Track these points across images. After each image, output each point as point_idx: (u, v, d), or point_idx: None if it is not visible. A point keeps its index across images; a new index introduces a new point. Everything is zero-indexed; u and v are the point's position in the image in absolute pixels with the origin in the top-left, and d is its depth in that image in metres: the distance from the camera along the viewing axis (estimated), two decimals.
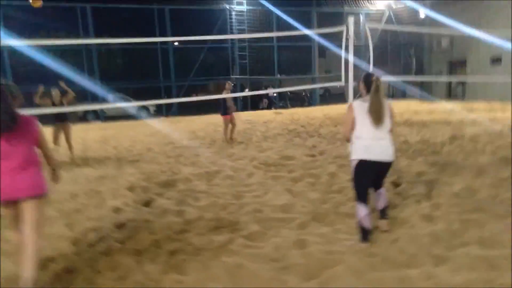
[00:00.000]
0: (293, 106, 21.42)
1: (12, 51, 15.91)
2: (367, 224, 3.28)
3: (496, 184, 4.63)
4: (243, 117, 16.35)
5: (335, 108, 18.12)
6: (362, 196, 3.33)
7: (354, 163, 3.36)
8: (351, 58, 6.67)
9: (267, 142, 8.72)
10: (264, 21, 19.17)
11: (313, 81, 21.51)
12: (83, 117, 19.03)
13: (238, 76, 19.87)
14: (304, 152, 7.16)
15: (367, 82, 3.30)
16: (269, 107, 21.56)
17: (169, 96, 18.05)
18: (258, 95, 21.68)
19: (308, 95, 22.88)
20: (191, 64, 19.03)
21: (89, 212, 4.35)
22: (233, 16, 19.20)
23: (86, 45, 17.13)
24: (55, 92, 7.48)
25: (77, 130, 14.30)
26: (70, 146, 7.73)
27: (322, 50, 23.46)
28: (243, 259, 3.10)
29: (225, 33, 18.66)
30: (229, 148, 8.30)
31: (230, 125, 9.19)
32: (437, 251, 3.11)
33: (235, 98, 20.22)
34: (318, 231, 3.62)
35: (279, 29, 19.84)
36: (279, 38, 20.09)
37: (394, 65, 23.00)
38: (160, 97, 17.57)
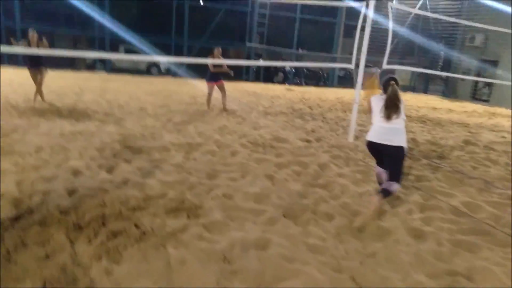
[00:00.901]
0: (308, 84, 20.61)
1: None
2: (379, 179, 3.92)
3: (502, 202, 4.09)
4: (251, 89, 15.74)
5: (350, 93, 17.33)
6: (377, 162, 3.96)
7: (365, 143, 3.89)
8: (365, 41, 5.99)
9: (265, 120, 8.18)
10: None
11: (333, 61, 20.50)
12: (92, 66, 18.64)
13: (253, 45, 19.02)
14: (300, 136, 6.63)
15: (385, 86, 3.69)
16: (283, 81, 20.81)
17: (180, 55, 17.40)
18: (273, 67, 20.94)
19: (325, 75, 21.94)
20: (206, 25, 18.22)
21: (46, 171, 3.96)
22: None
23: None
24: (32, 34, 7.00)
25: (79, 79, 13.97)
26: (40, 93, 7.47)
27: (350, 30, 22.13)
28: (191, 254, 2.68)
29: None
30: (223, 119, 7.80)
31: (218, 93, 8.76)
32: (416, 277, 2.65)
33: (247, 68, 19.63)
34: (286, 231, 3.17)
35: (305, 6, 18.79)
36: (303, 9, 19.03)
37: (421, 56, 21.77)
38: (170, 55, 16.95)
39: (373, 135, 3.69)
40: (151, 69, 19.55)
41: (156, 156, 4.79)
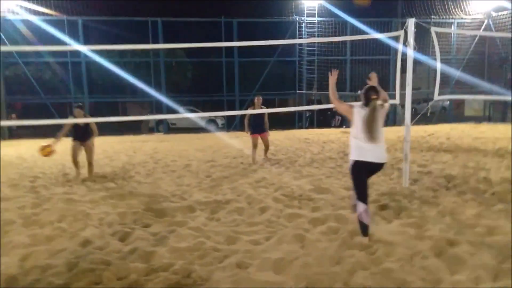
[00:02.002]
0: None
1: (88, 63, 17.15)
2: (366, 219, 3.55)
3: None
4: (304, 135, 15.26)
5: (415, 130, 16.01)
6: (361, 194, 3.60)
7: (351, 162, 3.69)
8: (409, 72, 5.30)
9: (311, 167, 7.56)
10: (337, 33, 17.88)
11: (391, 98, 19.40)
12: (153, 129, 19.67)
13: (305, 91, 18.81)
14: (345, 184, 5.87)
15: (366, 97, 3.59)
16: (341, 125, 20.05)
17: (232, 110, 17.75)
18: (330, 111, 20.38)
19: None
20: (255, 78, 18.55)
21: (56, 243, 3.76)
22: (303, 29, 18.29)
23: (154, 58, 17.73)
24: (77, 112, 6.95)
25: (138, 141, 14.68)
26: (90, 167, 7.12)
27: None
28: None
29: (294, 46, 17.89)
30: (264, 171, 7.33)
31: (261, 146, 8.36)
32: None
33: (300, 115, 19.30)
34: None
35: (353, 41, 18.43)
36: (352, 51, 18.64)
37: (494, 81, 19.73)
38: (222, 111, 17.37)
39: (360, 154, 3.59)
40: (208, 126, 20.18)
41: (178, 218, 4.42)
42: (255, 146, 8.35)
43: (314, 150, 10.42)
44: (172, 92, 17.24)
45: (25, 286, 2.94)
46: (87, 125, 6.89)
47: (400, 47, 5.34)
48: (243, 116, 10.19)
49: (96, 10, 16.64)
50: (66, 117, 17.06)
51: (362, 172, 3.61)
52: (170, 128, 19.34)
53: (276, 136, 13.81)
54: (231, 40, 17.40)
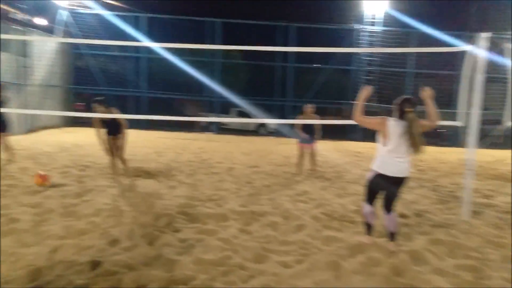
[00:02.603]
0: (427, 143, 18.31)
1: (150, 59, 17.82)
2: (371, 219, 3.85)
3: None
4: (356, 148, 14.58)
5: (481, 153, 14.65)
6: (369, 199, 3.83)
7: (372, 173, 3.74)
8: (477, 90, 4.70)
9: (358, 185, 7.07)
10: (400, 44, 16.92)
11: (453, 118, 17.99)
12: (206, 127, 19.93)
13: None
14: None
15: (401, 110, 3.58)
16: None
17: (283, 116, 17.46)
18: None
19: (445, 131, 19.29)
20: (310, 85, 18.10)
21: (87, 238, 3.76)
22: (364, 38, 17.54)
23: (211, 58, 18.00)
24: (98, 108, 6.19)
25: (188, 139, 14.93)
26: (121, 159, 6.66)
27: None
28: None
29: (352, 55, 17.22)
30: (307, 183, 6.99)
31: (307, 156, 7.97)
32: None
33: (353, 126, 18.52)
34: None
35: (417, 55, 17.34)
36: (417, 64, 17.54)
37: None
38: (274, 115, 17.18)
39: (383, 167, 3.63)
40: (259, 129, 20.09)
41: (209, 226, 4.26)
42: (301, 156, 8.02)
43: (365, 165, 9.83)
44: (226, 93, 17.35)
45: (47, 281, 2.92)
46: (114, 119, 6.28)
47: (467, 63, 4.75)
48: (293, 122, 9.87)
49: (160, 7, 17.23)
50: (126, 109, 17.91)
51: (381, 184, 3.68)
52: (221, 128, 19.51)
53: (325, 147, 13.31)
54: (287, 44, 17.15)
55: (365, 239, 3.88)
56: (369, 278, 3.17)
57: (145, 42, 16.28)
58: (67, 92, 17.53)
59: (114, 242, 3.68)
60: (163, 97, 18.58)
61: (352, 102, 18.83)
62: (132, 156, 9.22)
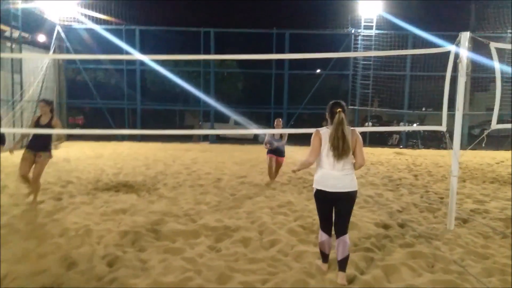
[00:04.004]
0: (427, 146, 17.98)
1: (142, 71, 17.80)
2: (325, 249, 3.43)
3: None
4: None
5: (481, 155, 14.34)
6: (322, 224, 3.38)
7: (314, 191, 3.34)
8: (460, 94, 4.49)
9: None
10: (396, 47, 16.74)
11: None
12: (205, 137, 19.75)
13: (357, 107, 17.80)
14: (378, 219, 5.13)
15: (332, 113, 3.26)
16: (398, 144, 18.71)
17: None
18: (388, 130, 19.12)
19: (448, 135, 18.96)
20: (306, 91, 17.95)
21: (45, 262, 3.56)
22: (359, 42, 17.38)
23: (205, 68, 17.92)
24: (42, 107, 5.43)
25: (181, 150, 14.75)
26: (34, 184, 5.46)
27: (485, 83, 18.72)
28: None
29: (347, 59, 17.05)
30: (294, 194, 6.77)
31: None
32: None
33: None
34: None
35: (414, 57, 17.13)
36: (413, 66, 17.33)
37: None
38: (270, 123, 17.01)
39: (322, 182, 3.22)
40: (258, 136, 19.92)
41: (177, 244, 4.05)
42: (270, 166, 7.77)
43: (358, 172, 9.58)
44: (222, 102, 17.24)
45: None
46: (49, 126, 5.39)
47: (449, 64, 4.55)
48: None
49: (152, 19, 17.23)
50: (121, 121, 17.85)
51: (325, 202, 3.26)
52: (218, 138, 19.36)
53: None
54: (283, 52, 17.04)
55: (323, 266, 3.45)
56: None
57: (138, 55, 16.27)
58: (61, 107, 17.54)
59: (71, 265, 3.50)
60: (159, 109, 18.52)
61: (351, 107, 18.73)
62: (119, 170, 9.11)
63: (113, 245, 3.99)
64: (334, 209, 3.28)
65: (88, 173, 8.62)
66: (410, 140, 18.64)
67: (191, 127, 23.78)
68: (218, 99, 17.69)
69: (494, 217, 5.31)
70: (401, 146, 18.16)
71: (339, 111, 3.16)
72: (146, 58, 16.23)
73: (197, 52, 16.72)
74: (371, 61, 17.24)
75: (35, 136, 5.41)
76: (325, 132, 3.25)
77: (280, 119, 8.02)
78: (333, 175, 3.18)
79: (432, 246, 4.09)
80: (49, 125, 5.43)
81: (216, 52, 17.07)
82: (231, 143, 18.30)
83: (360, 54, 18.43)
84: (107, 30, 16.51)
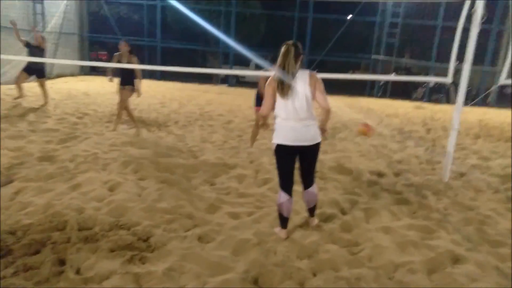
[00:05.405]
0: (452, 102, 17.39)
1: (163, 7, 17.44)
2: (285, 212, 3.07)
3: None
4: (370, 105, 14.10)
5: (505, 114, 13.81)
6: (283, 183, 3.06)
7: (273, 147, 3.08)
8: (471, 45, 4.31)
9: (350, 143, 6.90)
10: None
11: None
12: (225, 79, 19.69)
13: (381, 57, 17.12)
14: (375, 168, 5.22)
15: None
16: (422, 98, 18.19)
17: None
18: (413, 82, 18.46)
19: (474, 92, 18.17)
20: (329, 37, 17.29)
21: (53, 182, 3.91)
22: None
23: (227, 8, 17.35)
24: (123, 44, 6.12)
25: (199, 91, 14.86)
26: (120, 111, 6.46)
27: None
28: None
29: (375, 6, 16.12)
30: None
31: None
32: None
33: (372, 82, 17.74)
34: None
35: (448, 4, 15.96)
36: (445, 16, 16.25)
37: None
38: None
39: (282, 136, 2.95)
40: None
41: (175, 176, 4.30)
42: (257, 121, 7.68)
43: (368, 123, 9.52)
44: (243, 45, 16.90)
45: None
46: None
47: (463, 13, 4.31)
48: None
49: None
50: (141, 59, 17.92)
51: (286, 157, 2.99)
52: (238, 81, 19.27)
53: (337, 103, 12.95)
54: None
55: (281, 233, 3.08)
56: (311, 233, 3.16)
57: None
58: (82, 40, 17.67)
59: (76, 186, 3.82)
60: (178, 47, 18.38)
61: (375, 56, 18.01)
62: (135, 106, 9.38)
63: (116, 173, 4.29)
64: (299, 163, 3.07)
65: (105, 107, 8.93)
66: (435, 94, 18.04)
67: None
68: (239, 41, 17.31)
69: (493, 173, 5.31)
70: (424, 100, 17.65)
71: (288, 43, 2.87)
72: None
73: None
74: (401, 8, 16.25)
75: (121, 73, 6.22)
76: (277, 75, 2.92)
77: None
78: (292, 127, 2.91)
79: (420, 195, 4.20)
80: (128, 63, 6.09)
81: None
82: (250, 87, 18.22)
83: None
84: None
